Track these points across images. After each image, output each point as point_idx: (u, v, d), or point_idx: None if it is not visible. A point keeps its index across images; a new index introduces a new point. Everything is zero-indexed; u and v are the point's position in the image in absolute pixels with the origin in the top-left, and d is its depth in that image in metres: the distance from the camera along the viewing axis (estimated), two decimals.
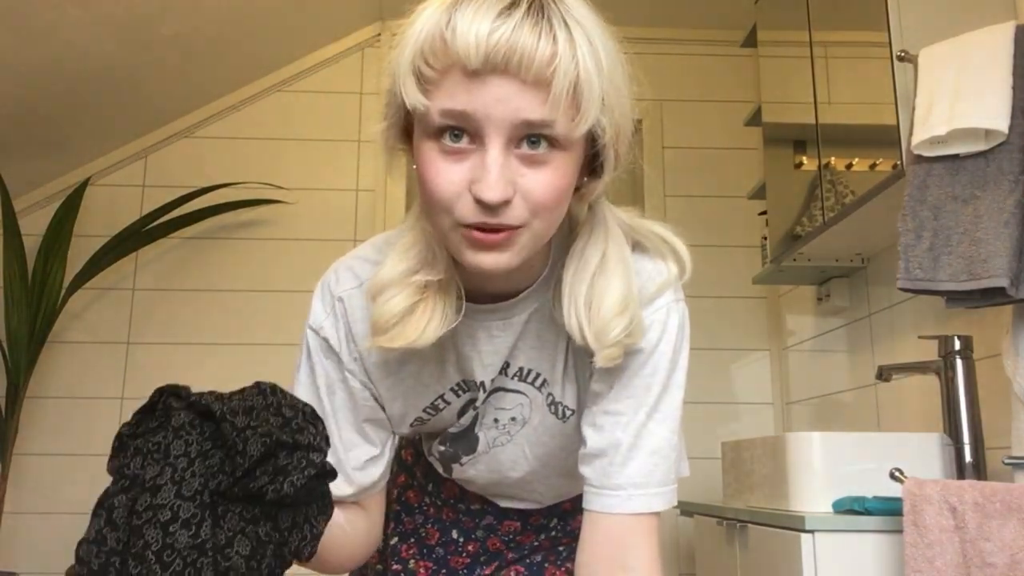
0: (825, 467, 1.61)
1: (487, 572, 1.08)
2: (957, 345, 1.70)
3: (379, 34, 3.14)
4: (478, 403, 0.93)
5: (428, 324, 0.80)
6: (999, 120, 1.48)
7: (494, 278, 0.80)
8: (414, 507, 1.11)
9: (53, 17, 2.30)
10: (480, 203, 0.70)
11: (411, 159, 0.77)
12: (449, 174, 0.71)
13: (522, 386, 0.91)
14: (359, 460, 0.90)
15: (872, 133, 1.89)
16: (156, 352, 2.87)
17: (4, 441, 2.53)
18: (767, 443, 1.80)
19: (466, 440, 0.97)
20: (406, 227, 0.84)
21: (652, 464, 0.84)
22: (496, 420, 0.93)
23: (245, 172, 2.96)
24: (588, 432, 0.86)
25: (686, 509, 2.25)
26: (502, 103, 0.68)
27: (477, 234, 0.71)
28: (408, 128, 0.76)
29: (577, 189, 0.78)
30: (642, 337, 0.82)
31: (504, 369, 0.90)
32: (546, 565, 1.08)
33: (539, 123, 0.69)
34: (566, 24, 0.68)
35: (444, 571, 1.07)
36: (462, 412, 0.94)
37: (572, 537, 1.10)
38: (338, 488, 0.88)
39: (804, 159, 2.23)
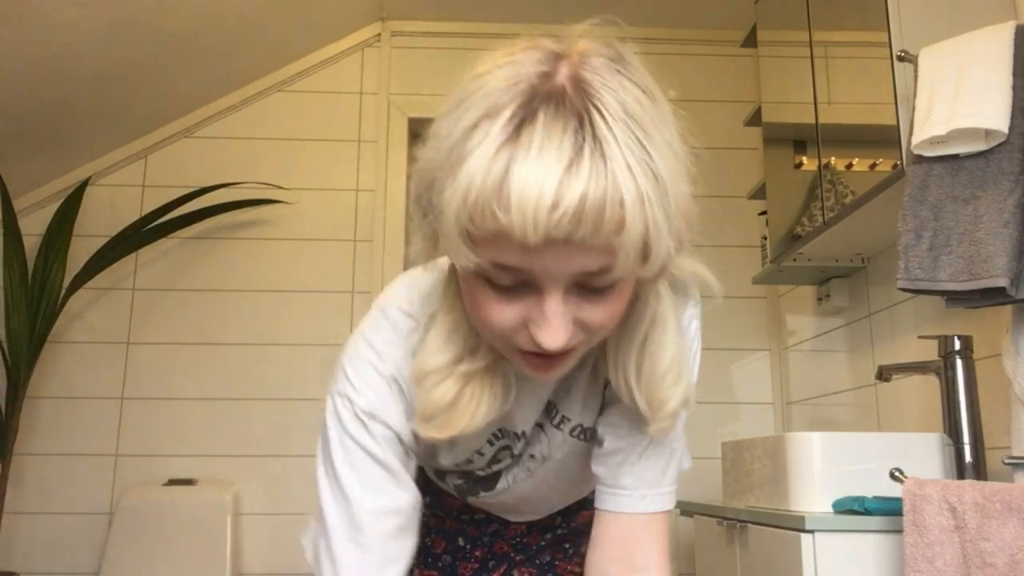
0: (825, 467, 1.61)
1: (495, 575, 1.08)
2: (957, 345, 1.70)
3: (379, 34, 3.14)
4: (516, 451, 0.91)
5: (477, 410, 0.76)
6: (999, 120, 1.48)
7: None
8: None
9: (53, 17, 2.30)
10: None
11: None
12: (503, 313, 0.66)
13: (545, 426, 0.90)
14: (389, 528, 0.82)
15: (872, 133, 1.89)
16: (156, 352, 2.87)
17: (4, 441, 2.53)
18: (767, 443, 1.80)
19: (487, 480, 0.96)
20: (441, 303, 0.78)
21: (665, 464, 0.84)
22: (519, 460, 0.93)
23: (245, 172, 2.96)
24: (605, 432, 0.86)
25: (686, 509, 2.25)
26: (562, 264, 0.62)
27: (536, 359, 0.69)
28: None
29: None
30: (694, 405, 0.79)
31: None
32: (556, 563, 1.08)
33: (602, 270, 0.63)
34: (630, 169, 0.59)
35: None
36: (494, 460, 0.92)
37: (576, 533, 1.10)
38: None
39: (804, 159, 2.23)
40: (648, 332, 0.76)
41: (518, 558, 1.09)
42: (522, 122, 0.59)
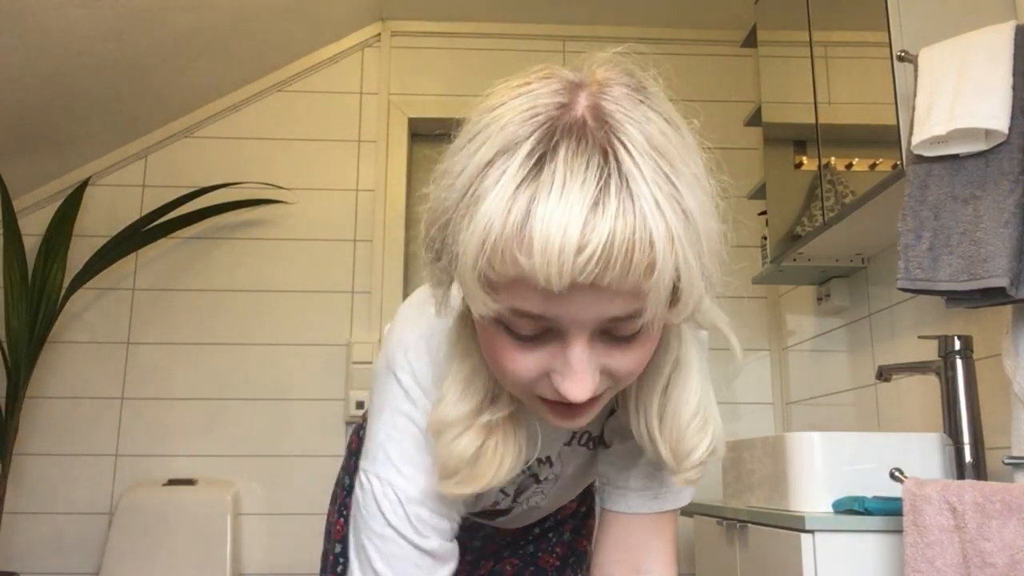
0: (825, 467, 1.61)
1: (482, 573, 1.08)
2: (957, 345, 1.70)
3: (379, 34, 3.14)
4: (542, 476, 0.90)
5: (501, 464, 0.72)
6: (999, 120, 1.48)
7: None
8: None
9: (53, 17, 2.30)
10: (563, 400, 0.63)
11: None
12: (524, 362, 0.62)
13: (564, 448, 0.89)
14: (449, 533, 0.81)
15: (872, 133, 1.89)
16: (156, 352, 2.86)
17: (4, 441, 2.53)
18: (767, 443, 1.80)
19: (504, 511, 0.96)
20: (455, 349, 0.73)
21: None
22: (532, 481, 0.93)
23: (245, 172, 2.96)
24: (612, 436, 0.86)
25: (686, 509, 2.24)
26: (588, 310, 0.58)
27: (560, 408, 0.65)
28: None
29: None
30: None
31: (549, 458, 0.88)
32: (539, 554, 1.09)
33: (630, 315, 0.59)
34: (658, 206, 0.56)
35: None
36: (519, 492, 0.91)
37: (560, 523, 1.10)
38: None
39: (804, 159, 2.23)
40: (671, 377, 0.73)
41: (505, 553, 1.09)
42: (542, 157, 0.56)
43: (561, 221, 0.53)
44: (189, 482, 2.71)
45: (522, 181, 0.56)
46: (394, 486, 0.76)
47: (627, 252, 0.54)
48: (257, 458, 2.79)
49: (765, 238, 2.62)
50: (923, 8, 1.75)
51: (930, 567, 1.35)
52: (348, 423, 2.81)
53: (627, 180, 0.55)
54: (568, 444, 0.89)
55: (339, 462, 1.24)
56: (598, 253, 0.54)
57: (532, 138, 0.57)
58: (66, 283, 2.69)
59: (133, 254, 2.86)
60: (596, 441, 0.89)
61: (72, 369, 2.84)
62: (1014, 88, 1.49)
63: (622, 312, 0.59)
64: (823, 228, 2.05)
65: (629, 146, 0.57)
